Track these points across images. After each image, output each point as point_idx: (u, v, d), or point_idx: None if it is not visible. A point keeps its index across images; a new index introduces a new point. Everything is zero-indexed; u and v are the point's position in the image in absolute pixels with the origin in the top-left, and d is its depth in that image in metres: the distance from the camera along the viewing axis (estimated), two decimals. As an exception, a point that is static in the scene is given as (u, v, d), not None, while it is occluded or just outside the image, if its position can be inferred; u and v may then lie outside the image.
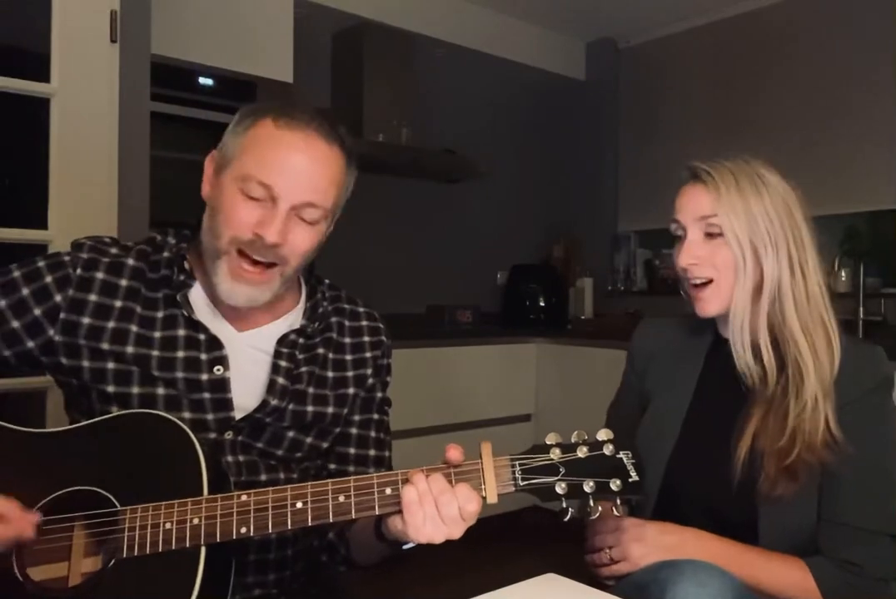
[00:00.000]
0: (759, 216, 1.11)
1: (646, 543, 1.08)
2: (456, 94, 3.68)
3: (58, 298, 1.01)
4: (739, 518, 1.11)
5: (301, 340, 1.10)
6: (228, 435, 1.04)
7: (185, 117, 2.50)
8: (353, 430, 1.14)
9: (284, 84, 2.76)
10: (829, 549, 1.07)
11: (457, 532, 0.86)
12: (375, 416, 1.17)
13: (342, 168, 1.03)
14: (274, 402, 1.05)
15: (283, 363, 1.07)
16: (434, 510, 0.85)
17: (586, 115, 4.17)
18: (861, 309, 2.96)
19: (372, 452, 1.14)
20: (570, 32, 4.09)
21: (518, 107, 3.96)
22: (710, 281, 1.14)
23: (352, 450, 1.13)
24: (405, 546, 0.95)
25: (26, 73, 1.62)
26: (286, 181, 0.97)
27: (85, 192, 1.66)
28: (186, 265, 1.06)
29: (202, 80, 2.58)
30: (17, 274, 1.03)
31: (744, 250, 1.11)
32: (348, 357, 1.15)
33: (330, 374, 1.12)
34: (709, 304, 1.15)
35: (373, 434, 1.16)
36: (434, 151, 3.42)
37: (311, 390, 1.09)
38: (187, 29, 2.49)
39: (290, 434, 1.08)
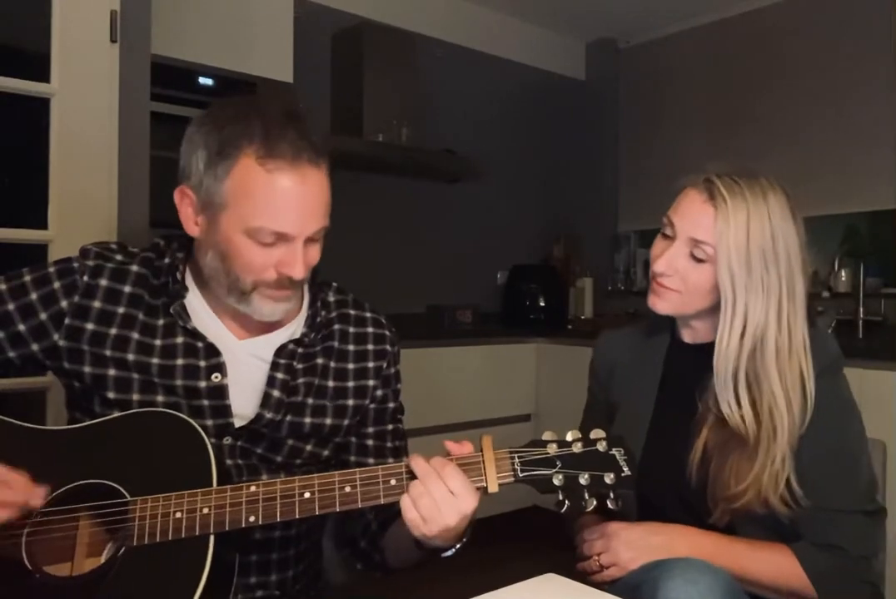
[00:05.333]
0: (758, 261, 1.07)
1: (633, 546, 1.09)
2: (456, 94, 3.68)
3: (63, 304, 1.02)
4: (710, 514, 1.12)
5: (300, 350, 1.09)
6: (227, 440, 1.04)
7: (185, 117, 2.49)
8: (370, 442, 1.14)
9: (284, 84, 2.76)
10: (810, 534, 1.09)
11: (453, 517, 0.88)
12: (390, 427, 1.16)
13: (328, 177, 1.00)
14: (269, 415, 1.05)
15: (279, 375, 1.06)
16: (432, 503, 0.87)
17: (586, 115, 4.17)
18: (861, 309, 2.97)
19: (390, 461, 1.14)
20: (570, 32, 4.09)
21: (518, 108, 3.96)
22: (675, 291, 1.13)
23: (371, 461, 1.14)
24: (445, 554, 0.98)
25: (26, 73, 1.62)
26: (298, 223, 0.95)
27: (85, 192, 1.66)
28: (179, 275, 1.05)
29: (202, 80, 2.58)
30: (27, 278, 1.04)
31: (735, 291, 1.08)
32: (350, 365, 1.13)
33: (330, 384, 1.11)
34: (661, 304, 1.15)
35: (389, 444, 1.16)
36: (434, 151, 3.42)
37: (309, 401, 1.09)
38: (187, 29, 2.49)
39: (289, 441, 1.08)
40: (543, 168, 4.08)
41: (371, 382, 1.14)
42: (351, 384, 1.12)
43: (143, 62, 1.75)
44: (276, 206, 0.93)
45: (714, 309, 1.14)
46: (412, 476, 0.90)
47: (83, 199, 1.66)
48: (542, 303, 3.72)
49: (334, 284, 1.19)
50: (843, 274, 3.06)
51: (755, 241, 1.07)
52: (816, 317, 1.14)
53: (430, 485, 0.88)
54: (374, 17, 3.30)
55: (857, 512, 1.09)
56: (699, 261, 1.11)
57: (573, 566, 1.15)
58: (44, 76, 1.63)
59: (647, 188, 3.93)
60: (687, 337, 1.23)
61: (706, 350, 1.18)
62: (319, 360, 1.11)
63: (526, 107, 4.00)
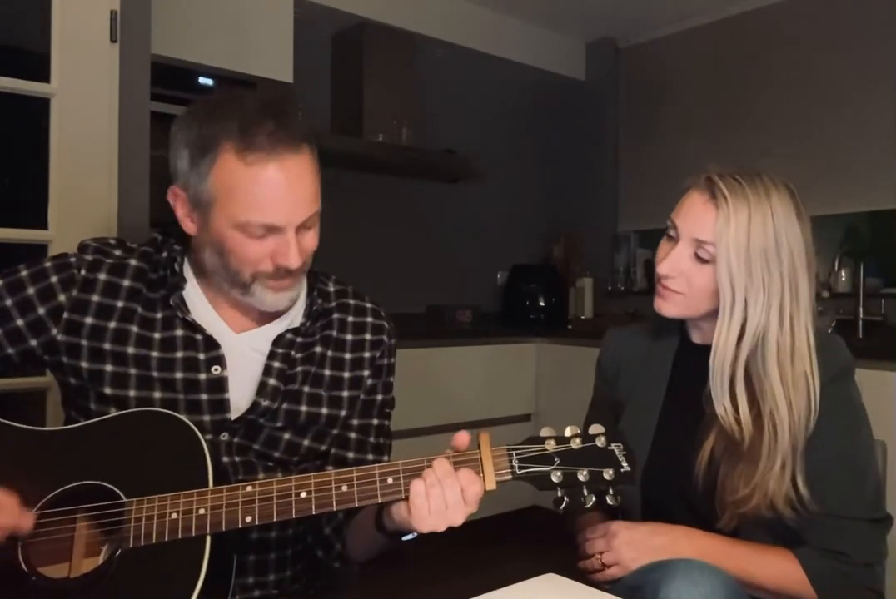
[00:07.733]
0: (758, 260, 1.06)
1: (636, 546, 1.08)
2: (456, 94, 3.68)
3: (62, 298, 1.02)
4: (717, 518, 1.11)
5: (298, 339, 1.09)
6: (224, 437, 1.04)
7: (185, 117, 2.50)
8: (352, 435, 1.14)
9: (284, 84, 2.76)
10: (814, 540, 1.08)
11: (459, 518, 0.88)
12: (375, 421, 1.16)
13: (314, 161, 0.99)
14: (265, 404, 1.05)
15: (276, 364, 1.07)
16: (441, 497, 0.86)
17: (586, 115, 4.16)
18: (861, 309, 2.97)
19: (370, 457, 1.14)
20: (570, 32, 4.09)
21: (518, 108, 3.96)
22: (680, 293, 1.13)
23: (350, 455, 1.13)
24: (405, 538, 0.96)
25: (26, 73, 1.62)
26: (285, 213, 0.95)
27: (85, 192, 1.66)
28: (176, 267, 1.06)
29: (202, 80, 2.58)
30: (24, 273, 1.04)
31: (734, 291, 1.07)
32: (347, 355, 1.13)
33: (327, 373, 1.11)
34: (667, 307, 1.15)
35: (371, 439, 1.15)
36: (434, 151, 3.42)
37: (305, 389, 1.09)
38: (187, 29, 2.49)
39: (286, 436, 1.08)
40: (543, 168, 4.08)
41: (366, 372, 1.14)
42: (346, 374, 1.13)
43: (143, 62, 1.75)
44: (261, 200, 0.94)
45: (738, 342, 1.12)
46: (409, 474, 0.90)
47: (83, 199, 1.66)
48: (542, 303, 3.73)
49: (333, 276, 1.20)
50: (843, 274, 3.06)
51: (756, 241, 1.06)
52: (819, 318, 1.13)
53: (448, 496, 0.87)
54: (374, 17, 3.30)
55: (863, 520, 1.08)
56: (703, 261, 1.10)
57: (573, 566, 1.14)
58: (44, 76, 1.63)
59: (647, 188, 3.93)
60: (696, 337, 1.22)
61: None
62: (317, 349, 1.11)
63: (526, 107, 4.00)
